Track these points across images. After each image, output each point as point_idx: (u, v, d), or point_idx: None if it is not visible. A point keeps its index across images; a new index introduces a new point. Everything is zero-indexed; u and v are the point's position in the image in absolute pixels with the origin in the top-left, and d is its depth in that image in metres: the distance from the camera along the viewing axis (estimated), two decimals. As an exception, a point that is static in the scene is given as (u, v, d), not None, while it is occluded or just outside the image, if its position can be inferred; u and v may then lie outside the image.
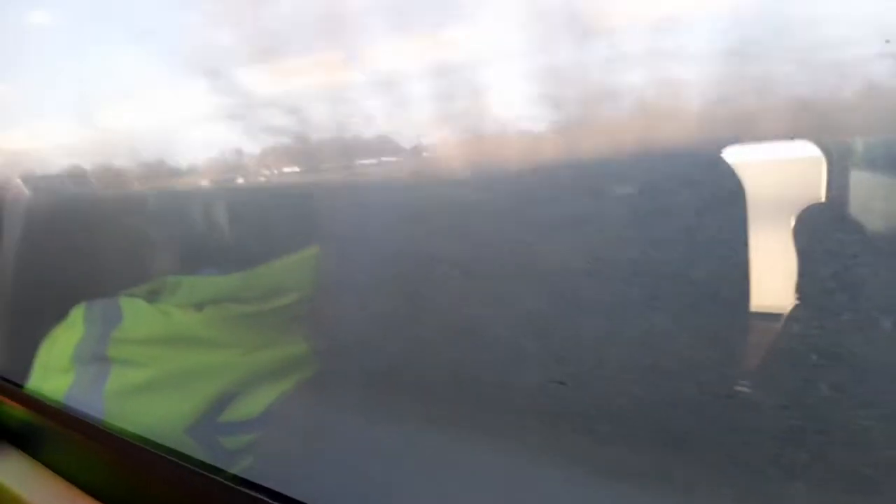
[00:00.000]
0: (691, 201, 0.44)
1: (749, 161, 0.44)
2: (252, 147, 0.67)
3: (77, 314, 0.80)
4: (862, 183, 0.41)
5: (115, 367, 0.73)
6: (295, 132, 0.62)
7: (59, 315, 0.82)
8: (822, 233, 0.41)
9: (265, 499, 0.56)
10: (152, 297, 0.77)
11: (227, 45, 0.64)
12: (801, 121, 0.41)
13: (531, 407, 0.53)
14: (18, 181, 0.87)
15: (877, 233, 0.40)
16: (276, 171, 0.68)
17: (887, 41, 0.35)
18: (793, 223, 0.42)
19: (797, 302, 0.42)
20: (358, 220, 0.60)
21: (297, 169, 0.66)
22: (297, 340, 0.70)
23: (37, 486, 0.73)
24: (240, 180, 0.71)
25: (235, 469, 0.61)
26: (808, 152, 0.42)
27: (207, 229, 0.75)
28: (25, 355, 0.86)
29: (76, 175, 0.85)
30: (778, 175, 0.45)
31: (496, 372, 0.55)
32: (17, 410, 0.81)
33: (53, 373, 0.79)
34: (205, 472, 0.61)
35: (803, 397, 0.42)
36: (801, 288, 0.42)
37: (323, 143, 0.60)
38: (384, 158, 0.58)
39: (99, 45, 0.78)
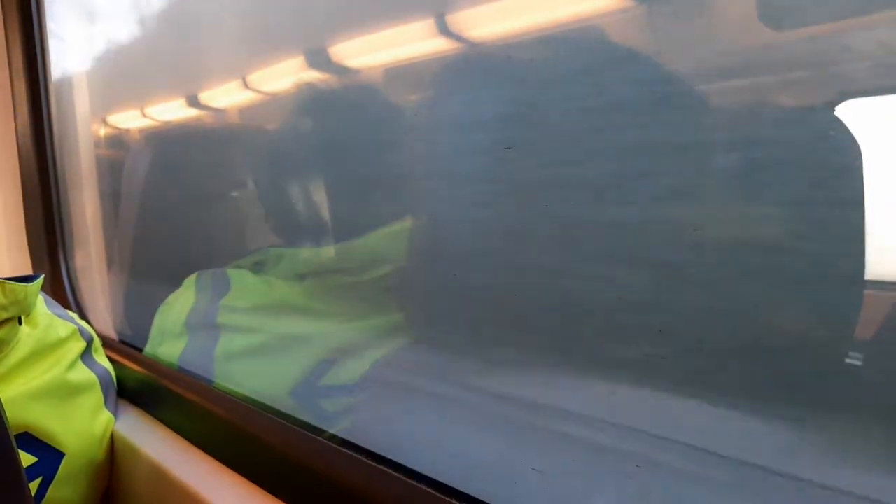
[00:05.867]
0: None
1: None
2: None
3: (189, 284, 0.86)
4: None
5: (224, 333, 0.78)
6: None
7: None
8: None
9: (361, 458, 0.58)
10: (257, 268, 0.81)
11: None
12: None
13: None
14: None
15: None
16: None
17: None
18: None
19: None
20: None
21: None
22: (392, 310, 0.72)
23: (153, 440, 0.79)
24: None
25: (334, 430, 0.64)
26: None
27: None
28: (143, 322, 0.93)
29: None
30: None
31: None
32: (136, 372, 0.89)
33: (168, 338, 0.86)
34: (307, 432, 0.64)
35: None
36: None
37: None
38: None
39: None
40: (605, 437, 0.48)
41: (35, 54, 1.13)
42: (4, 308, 0.73)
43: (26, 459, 0.74)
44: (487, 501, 0.48)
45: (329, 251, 0.76)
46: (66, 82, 1.17)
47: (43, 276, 0.80)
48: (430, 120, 0.61)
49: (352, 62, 0.69)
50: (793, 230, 0.42)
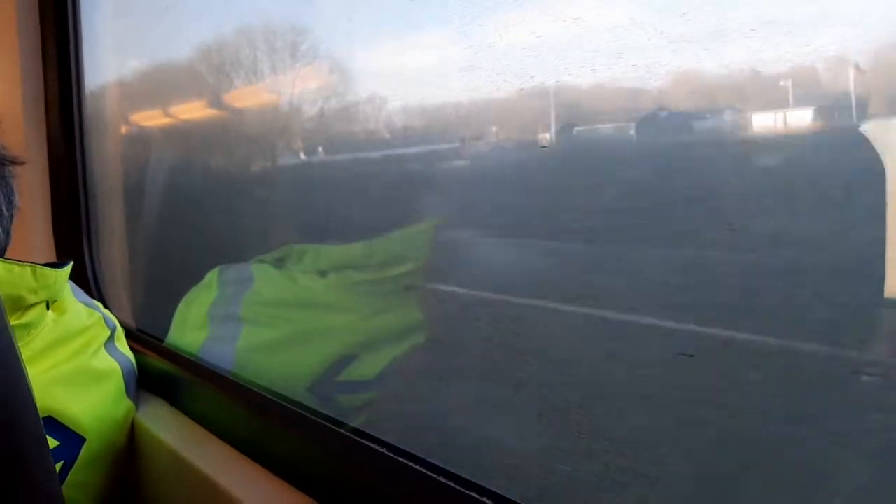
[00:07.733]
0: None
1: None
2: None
3: (212, 277, 0.88)
4: None
5: (246, 327, 0.80)
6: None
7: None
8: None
9: (381, 450, 0.59)
10: (280, 263, 0.83)
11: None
12: None
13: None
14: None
15: None
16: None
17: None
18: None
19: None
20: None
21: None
22: (412, 307, 0.73)
23: (172, 429, 0.81)
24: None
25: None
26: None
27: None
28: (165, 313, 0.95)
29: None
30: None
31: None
32: (157, 361, 0.90)
33: (190, 329, 0.87)
34: (326, 423, 0.65)
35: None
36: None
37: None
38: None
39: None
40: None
41: (68, 49, 1.16)
42: (34, 292, 0.75)
43: (49, 443, 0.75)
44: (507, 496, 0.48)
45: (353, 248, 0.77)
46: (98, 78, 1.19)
47: (72, 262, 0.82)
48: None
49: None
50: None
